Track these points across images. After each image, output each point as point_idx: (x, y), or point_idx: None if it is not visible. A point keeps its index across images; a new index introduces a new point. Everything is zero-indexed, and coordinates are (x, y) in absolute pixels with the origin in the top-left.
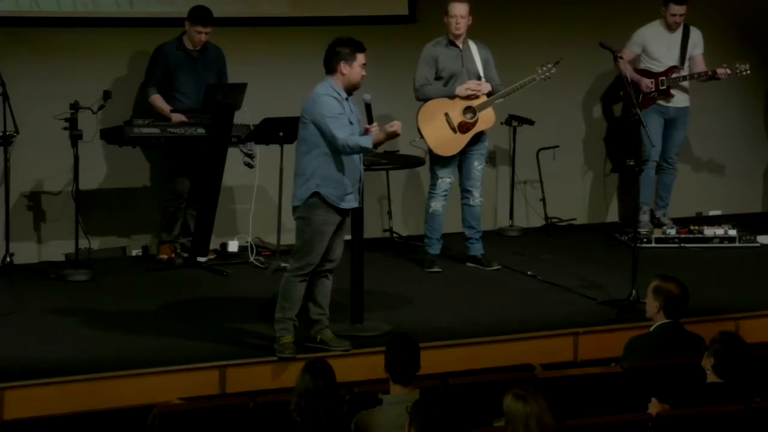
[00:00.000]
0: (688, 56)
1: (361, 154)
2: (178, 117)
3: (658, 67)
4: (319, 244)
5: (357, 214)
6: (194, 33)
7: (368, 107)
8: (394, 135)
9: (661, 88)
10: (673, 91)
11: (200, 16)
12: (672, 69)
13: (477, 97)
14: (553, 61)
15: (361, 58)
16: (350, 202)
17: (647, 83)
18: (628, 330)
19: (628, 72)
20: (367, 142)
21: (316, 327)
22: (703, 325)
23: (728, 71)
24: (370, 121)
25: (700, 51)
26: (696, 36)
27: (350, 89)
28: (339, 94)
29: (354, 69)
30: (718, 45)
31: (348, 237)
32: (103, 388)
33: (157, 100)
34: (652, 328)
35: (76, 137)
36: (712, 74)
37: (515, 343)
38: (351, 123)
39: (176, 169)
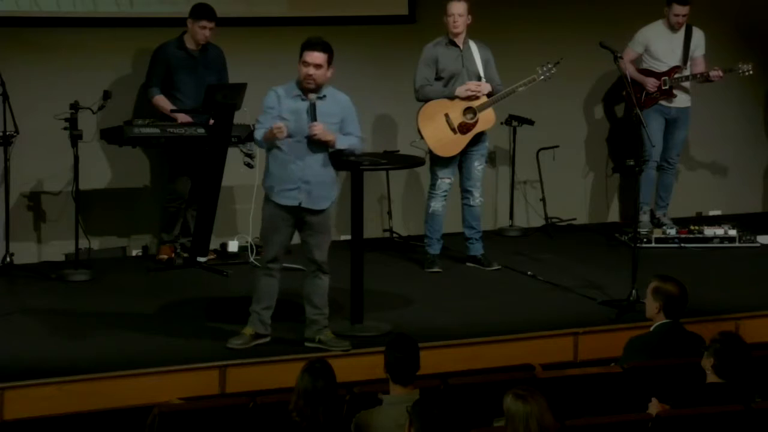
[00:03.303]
0: (690, 56)
1: (325, 156)
2: (183, 117)
3: (660, 67)
4: (270, 237)
5: (357, 214)
6: (198, 29)
7: (312, 107)
8: (273, 136)
9: (663, 88)
10: (675, 92)
11: (204, 11)
12: (675, 69)
13: (477, 97)
14: (554, 61)
15: (304, 55)
16: (288, 199)
17: (653, 83)
18: (628, 330)
19: (630, 72)
20: (258, 134)
21: (314, 327)
22: (703, 325)
23: (720, 74)
24: (313, 119)
25: (701, 52)
26: (698, 37)
27: (302, 87)
28: (286, 92)
29: (300, 67)
30: (719, 45)
31: (348, 237)
32: (103, 388)
33: (161, 101)
34: (652, 328)
35: (76, 137)
36: (706, 76)
37: (515, 343)
38: (283, 118)
39: (177, 169)
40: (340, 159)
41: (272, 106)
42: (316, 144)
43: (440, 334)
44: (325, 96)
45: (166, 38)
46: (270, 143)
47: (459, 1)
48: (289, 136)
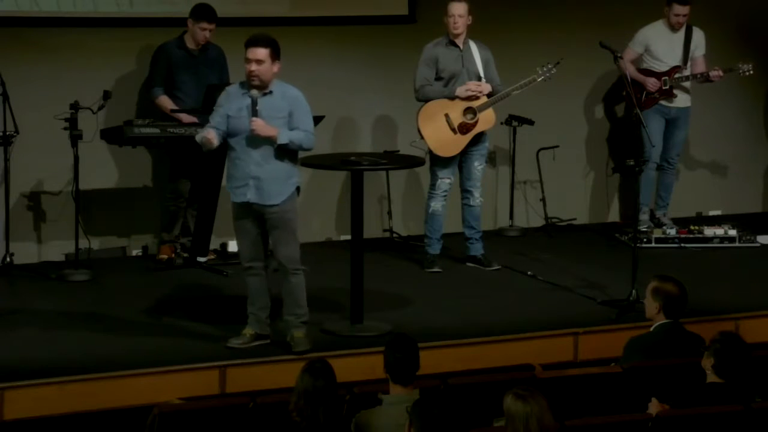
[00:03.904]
0: (690, 56)
1: (273, 151)
2: (187, 118)
3: (660, 67)
4: (238, 237)
5: (357, 214)
6: (198, 30)
7: (253, 103)
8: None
9: (663, 88)
10: (675, 92)
11: (205, 12)
12: (675, 69)
13: (477, 97)
14: (554, 61)
15: (246, 52)
16: (239, 196)
17: (653, 82)
18: (628, 330)
19: (631, 72)
20: (197, 137)
21: (287, 328)
22: (703, 325)
23: (721, 74)
24: (253, 114)
25: (701, 52)
26: (698, 37)
27: (249, 84)
28: (236, 90)
29: (244, 65)
30: (719, 45)
31: (348, 237)
32: (103, 388)
33: (164, 101)
34: (652, 328)
35: (76, 137)
36: (706, 76)
37: (515, 343)
38: (229, 115)
39: (178, 168)
40: (341, 160)
41: (221, 104)
42: (261, 140)
43: (440, 334)
44: (271, 92)
45: (166, 38)
46: (205, 147)
47: (459, 2)
48: (236, 134)
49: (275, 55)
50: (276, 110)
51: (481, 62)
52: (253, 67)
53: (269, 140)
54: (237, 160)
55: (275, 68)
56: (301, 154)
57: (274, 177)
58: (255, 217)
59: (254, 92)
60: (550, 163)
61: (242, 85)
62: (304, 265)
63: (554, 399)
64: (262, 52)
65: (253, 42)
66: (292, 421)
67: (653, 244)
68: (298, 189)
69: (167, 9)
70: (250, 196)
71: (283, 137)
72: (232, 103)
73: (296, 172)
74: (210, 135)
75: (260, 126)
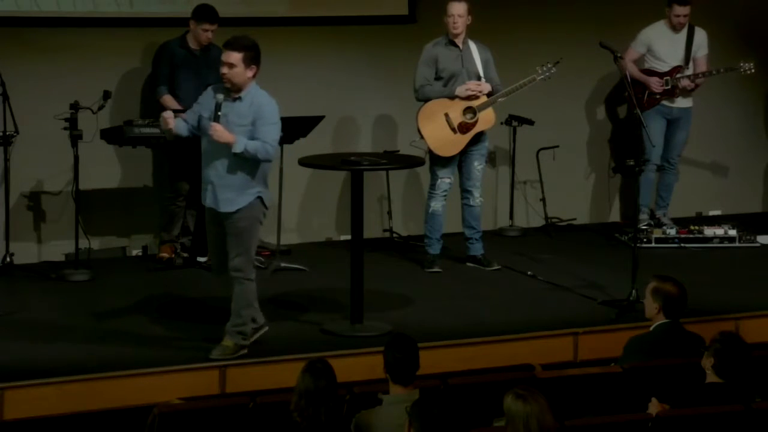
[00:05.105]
0: (692, 57)
1: (232, 158)
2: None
3: (662, 67)
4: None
5: (357, 214)
6: (201, 32)
7: (216, 107)
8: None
9: (665, 88)
10: (677, 92)
11: (207, 13)
12: (676, 69)
13: (477, 97)
14: (553, 61)
15: (222, 55)
16: (202, 199)
17: (656, 82)
18: (628, 330)
19: (633, 72)
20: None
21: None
22: (703, 325)
23: (689, 83)
24: (214, 119)
25: (703, 53)
26: (700, 37)
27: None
28: (214, 90)
29: None
30: (719, 45)
31: (348, 237)
32: (103, 388)
33: (169, 100)
34: (651, 328)
35: (76, 137)
36: (692, 86)
37: (515, 343)
38: (201, 115)
39: (178, 168)
40: (341, 160)
41: (200, 102)
42: (220, 145)
43: (440, 334)
44: (241, 98)
45: (166, 38)
46: (167, 132)
47: (459, 2)
48: (203, 135)
49: (250, 60)
50: (240, 117)
51: (481, 62)
52: (225, 70)
53: (228, 147)
54: (203, 163)
55: (249, 73)
56: (301, 154)
57: (229, 185)
58: (217, 223)
59: (219, 96)
60: (550, 163)
61: (220, 86)
62: (304, 266)
63: (554, 399)
64: (234, 56)
65: (228, 45)
66: (293, 421)
67: (653, 244)
68: (263, 201)
69: (167, 9)
70: (208, 201)
71: (239, 146)
72: (207, 103)
73: (257, 183)
74: (167, 117)
75: (218, 131)
